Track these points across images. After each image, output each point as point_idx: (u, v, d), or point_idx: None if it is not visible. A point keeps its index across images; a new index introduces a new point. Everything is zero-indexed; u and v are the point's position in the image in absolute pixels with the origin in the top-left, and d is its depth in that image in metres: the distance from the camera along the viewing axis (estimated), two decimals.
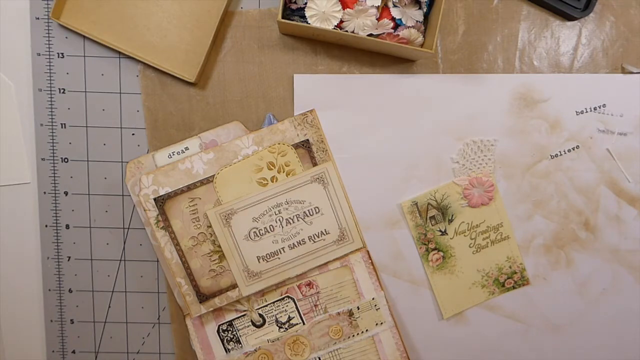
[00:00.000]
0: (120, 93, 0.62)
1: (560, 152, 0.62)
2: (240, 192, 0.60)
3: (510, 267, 0.63)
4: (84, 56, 0.61)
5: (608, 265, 0.63)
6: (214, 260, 0.60)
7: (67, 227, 0.64)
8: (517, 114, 0.62)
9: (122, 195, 0.63)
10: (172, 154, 0.60)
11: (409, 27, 0.57)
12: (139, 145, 0.63)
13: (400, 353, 0.63)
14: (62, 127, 0.62)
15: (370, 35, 0.56)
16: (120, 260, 0.64)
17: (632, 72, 0.61)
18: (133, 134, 0.63)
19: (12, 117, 0.62)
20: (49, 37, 0.61)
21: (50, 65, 0.61)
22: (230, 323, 0.63)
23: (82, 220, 0.64)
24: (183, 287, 0.60)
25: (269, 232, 0.61)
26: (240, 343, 0.63)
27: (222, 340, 0.63)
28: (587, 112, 0.62)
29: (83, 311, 0.65)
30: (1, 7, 0.61)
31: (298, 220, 0.61)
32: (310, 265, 0.62)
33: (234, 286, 0.61)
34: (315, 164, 0.61)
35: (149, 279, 0.65)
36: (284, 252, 0.61)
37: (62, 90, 0.62)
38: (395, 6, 0.57)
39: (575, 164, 0.62)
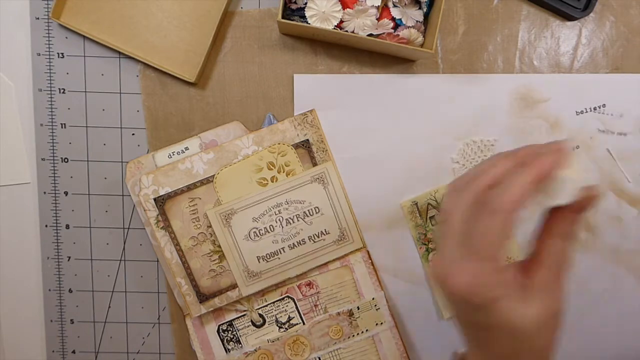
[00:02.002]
0: (120, 93, 0.62)
1: None
2: (240, 192, 0.60)
3: None
4: (84, 56, 0.61)
5: (608, 265, 0.63)
6: (214, 260, 0.60)
7: (67, 227, 0.64)
8: (517, 114, 0.62)
9: (122, 195, 0.63)
10: (172, 154, 0.60)
11: (409, 27, 0.57)
12: (139, 145, 0.63)
13: (400, 353, 0.63)
14: (62, 127, 0.62)
15: (370, 35, 0.56)
16: (120, 260, 0.64)
17: None
18: (133, 134, 0.63)
19: (12, 117, 0.62)
20: (49, 37, 0.61)
21: (50, 65, 0.61)
22: (230, 323, 0.63)
23: (82, 220, 0.64)
24: (183, 287, 0.60)
25: (269, 232, 0.61)
26: (240, 343, 0.63)
27: (222, 340, 0.63)
28: (587, 112, 0.62)
29: (83, 311, 0.65)
30: (1, 7, 0.61)
31: (298, 220, 0.61)
32: (310, 265, 0.62)
33: (234, 286, 0.61)
34: (315, 164, 0.61)
35: (149, 279, 0.65)
36: (284, 252, 0.61)
37: (62, 90, 0.62)
38: (395, 6, 0.57)
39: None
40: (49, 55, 0.61)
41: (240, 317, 0.63)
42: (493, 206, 0.40)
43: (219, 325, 0.63)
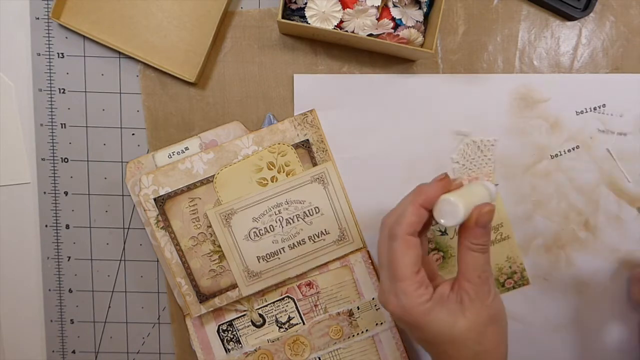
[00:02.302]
0: (120, 93, 0.62)
1: (560, 152, 0.62)
2: (240, 192, 0.60)
3: (510, 267, 0.63)
4: (84, 56, 0.61)
5: (608, 265, 0.63)
6: (214, 260, 0.60)
7: (67, 227, 0.64)
8: (517, 114, 0.62)
9: (122, 195, 0.63)
10: (172, 154, 0.60)
11: (409, 27, 0.57)
12: (139, 145, 0.63)
13: (400, 353, 0.63)
14: (62, 127, 0.62)
15: (370, 35, 0.56)
16: (120, 260, 0.64)
17: None
18: (133, 134, 0.63)
19: (12, 117, 0.62)
20: (49, 37, 0.61)
21: (50, 65, 0.61)
22: (230, 323, 0.63)
23: (82, 220, 0.64)
24: (183, 287, 0.60)
25: (269, 232, 0.61)
26: (240, 343, 0.63)
27: (222, 340, 0.63)
28: (587, 112, 0.62)
29: (83, 311, 0.65)
30: (1, 7, 0.61)
31: (298, 220, 0.61)
32: (310, 265, 0.62)
33: (234, 286, 0.61)
34: (315, 164, 0.61)
35: (149, 279, 0.65)
36: (283, 252, 0.61)
37: (62, 90, 0.62)
38: (395, 6, 0.57)
39: (575, 164, 0.62)
40: (49, 55, 0.61)
41: (240, 317, 0.63)
42: (392, 233, 0.47)
43: (219, 325, 0.63)
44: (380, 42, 0.55)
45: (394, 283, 0.47)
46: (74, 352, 0.66)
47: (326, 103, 0.61)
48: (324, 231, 0.61)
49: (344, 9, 0.55)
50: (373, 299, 0.63)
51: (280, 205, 0.61)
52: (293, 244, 0.61)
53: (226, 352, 0.63)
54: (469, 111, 0.62)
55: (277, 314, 0.63)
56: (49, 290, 0.65)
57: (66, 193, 0.63)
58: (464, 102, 0.62)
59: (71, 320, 0.65)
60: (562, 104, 0.62)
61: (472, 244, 0.48)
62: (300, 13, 0.57)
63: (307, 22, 0.56)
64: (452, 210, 0.46)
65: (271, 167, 0.60)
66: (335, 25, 0.56)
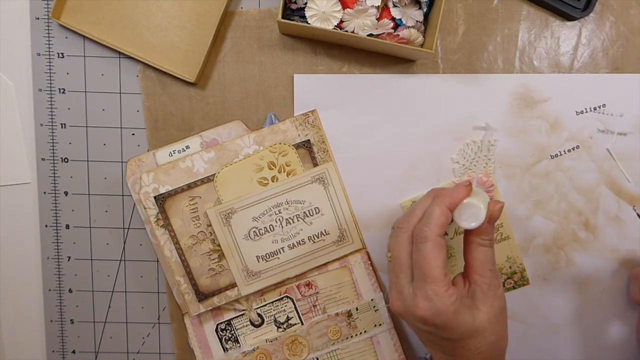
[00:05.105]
0: (120, 93, 0.62)
1: (560, 152, 0.62)
2: (240, 191, 0.60)
3: (510, 267, 0.63)
4: (84, 56, 0.61)
5: (608, 265, 0.63)
6: (213, 259, 0.60)
7: (67, 227, 0.64)
8: (517, 114, 0.62)
9: (122, 195, 0.63)
10: (172, 152, 0.60)
11: (409, 27, 0.57)
12: (139, 145, 0.63)
13: (399, 354, 0.63)
14: (62, 127, 0.63)
15: (370, 35, 0.56)
16: (120, 260, 0.65)
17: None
18: (133, 134, 0.63)
19: (12, 117, 0.62)
20: (49, 37, 0.61)
21: (50, 65, 0.61)
22: (228, 322, 0.63)
23: (82, 220, 0.64)
24: (182, 285, 0.60)
25: (268, 232, 0.61)
26: (238, 342, 0.63)
27: (220, 340, 0.63)
28: (587, 112, 0.62)
29: (83, 311, 0.65)
30: (1, 7, 0.61)
31: (298, 221, 0.61)
32: (309, 266, 0.62)
33: (233, 285, 0.61)
34: (316, 164, 0.61)
35: (149, 279, 0.65)
36: (283, 252, 0.61)
37: (62, 90, 0.62)
38: (395, 6, 0.57)
39: (575, 164, 0.62)
40: (49, 55, 0.61)
41: (238, 316, 0.63)
42: (422, 235, 0.49)
43: (218, 325, 0.63)
44: (380, 42, 0.55)
45: (424, 285, 0.48)
46: (74, 352, 0.66)
47: (326, 103, 0.61)
48: (323, 232, 0.61)
49: (344, 9, 0.55)
50: (372, 300, 0.63)
51: (281, 205, 0.61)
52: (293, 244, 0.61)
53: (224, 351, 0.63)
54: (469, 111, 0.62)
55: (276, 313, 0.63)
56: (49, 290, 0.65)
57: (66, 193, 0.63)
58: (464, 102, 0.61)
59: (71, 320, 0.65)
60: (562, 104, 0.62)
61: (483, 239, 0.51)
62: (300, 13, 0.57)
63: (307, 22, 0.56)
64: (476, 213, 0.50)
65: (272, 166, 0.60)
66: (335, 25, 0.56)
